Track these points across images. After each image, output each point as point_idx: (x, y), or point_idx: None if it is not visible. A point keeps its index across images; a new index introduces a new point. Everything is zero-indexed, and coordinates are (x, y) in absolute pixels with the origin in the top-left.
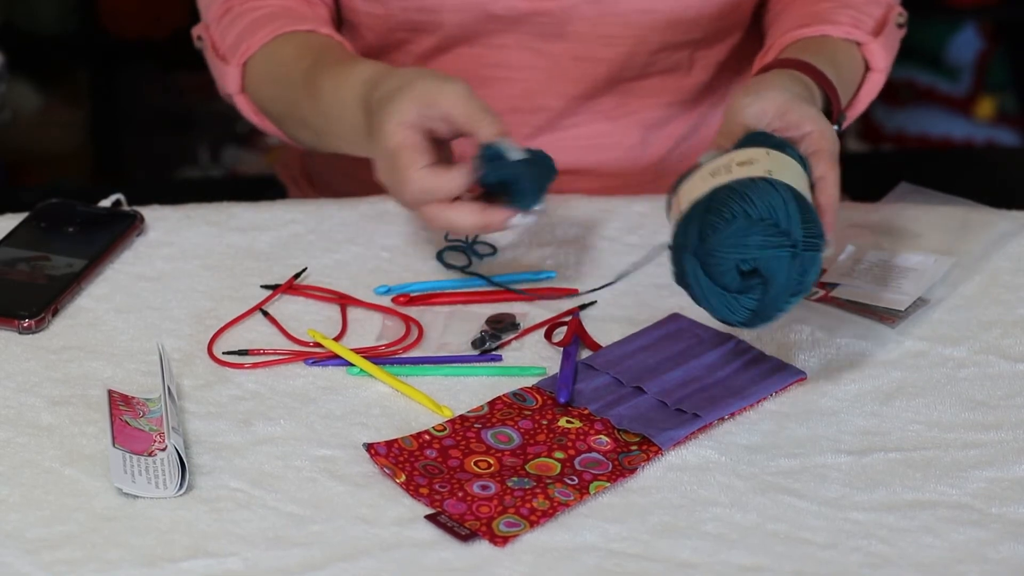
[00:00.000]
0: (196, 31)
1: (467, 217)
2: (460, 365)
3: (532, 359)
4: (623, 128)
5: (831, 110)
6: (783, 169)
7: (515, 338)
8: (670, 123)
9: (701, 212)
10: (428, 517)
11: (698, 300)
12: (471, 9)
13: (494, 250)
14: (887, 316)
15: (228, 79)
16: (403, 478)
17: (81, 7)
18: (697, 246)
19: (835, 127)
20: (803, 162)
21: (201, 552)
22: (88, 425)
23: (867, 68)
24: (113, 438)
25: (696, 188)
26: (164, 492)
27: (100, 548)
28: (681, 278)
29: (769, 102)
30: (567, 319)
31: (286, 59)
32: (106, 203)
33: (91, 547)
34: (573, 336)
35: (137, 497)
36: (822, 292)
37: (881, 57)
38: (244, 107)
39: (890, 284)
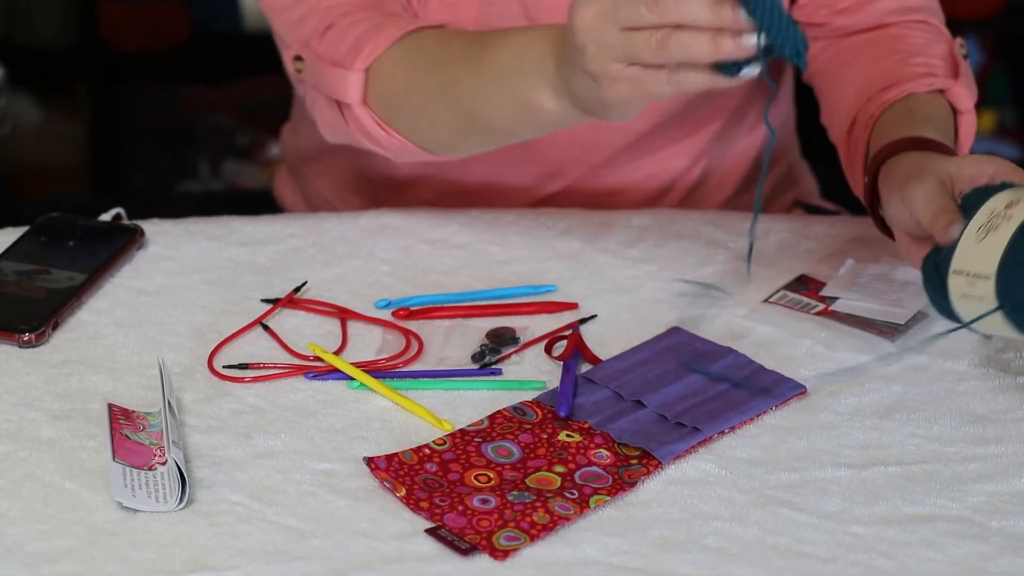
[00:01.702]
0: (291, 53)
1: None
2: (460, 379)
3: (532, 373)
4: (638, 182)
5: None
6: None
7: (515, 352)
8: (686, 174)
9: (1021, 265)
10: (428, 531)
11: None
12: None
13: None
14: (887, 330)
15: (350, 87)
16: (403, 492)
17: (81, 21)
18: None
19: None
20: None
21: (201, 566)
22: (88, 439)
23: (955, 111)
24: (113, 452)
25: (983, 251)
26: (164, 506)
27: (100, 562)
28: None
29: (935, 178)
30: (567, 333)
31: (431, 46)
32: (106, 217)
33: (91, 561)
34: (573, 350)
35: (137, 511)
36: (822, 306)
37: (966, 98)
38: (365, 118)
39: (890, 298)
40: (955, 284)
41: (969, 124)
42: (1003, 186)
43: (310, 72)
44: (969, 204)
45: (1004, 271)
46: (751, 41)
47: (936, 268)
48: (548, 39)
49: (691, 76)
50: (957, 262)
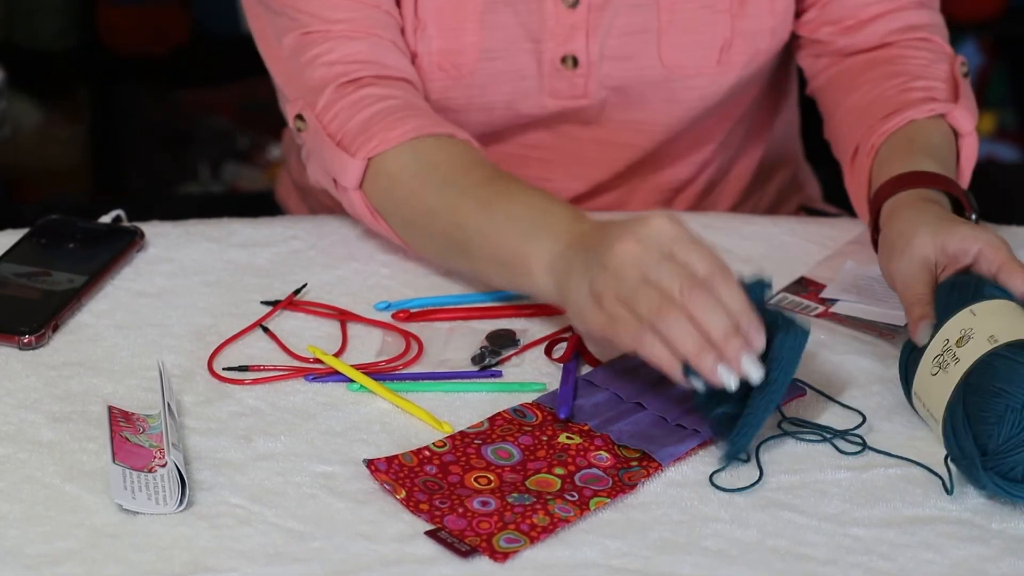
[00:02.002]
0: (293, 109)
1: (720, 317)
2: (460, 381)
3: (532, 375)
4: (643, 194)
5: (960, 203)
6: (997, 318)
7: (515, 354)
8: (691, 183)
9: (962, 423)
10: (428, 533)
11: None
12: (501, 108)
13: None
14: (887, 332)
15: (348, 172)
16: (403, 494)
17: (81, 24)
18: (983, 460)
19: (974, 217)
20: (998, 288)
21: (201, 568)
22: (88, 441)
23: (956, 134)
24: (113, 454)
25: (934, 389)
26: (164, 508)
27: (100, 564)
28: (979, 484)
29: (919, 255)
30: (567, 335)
31: (443, 164)
32: (106, 219)
33: (91, 563)
34: (573, 352)
35: (137, 513)
36: (822, 308)
37: (967, 121)
38: (358, 202)
39: (890, 300)
40: (917, 405)
41: (970, 147)
42: (961, 296)
43: (311, 138)
44: (938, 304)
45: (945, 431)
46: (731, 382)
47: (905, 375)
48: (570, 219)
49: (661, 353)
50: (917, 386)
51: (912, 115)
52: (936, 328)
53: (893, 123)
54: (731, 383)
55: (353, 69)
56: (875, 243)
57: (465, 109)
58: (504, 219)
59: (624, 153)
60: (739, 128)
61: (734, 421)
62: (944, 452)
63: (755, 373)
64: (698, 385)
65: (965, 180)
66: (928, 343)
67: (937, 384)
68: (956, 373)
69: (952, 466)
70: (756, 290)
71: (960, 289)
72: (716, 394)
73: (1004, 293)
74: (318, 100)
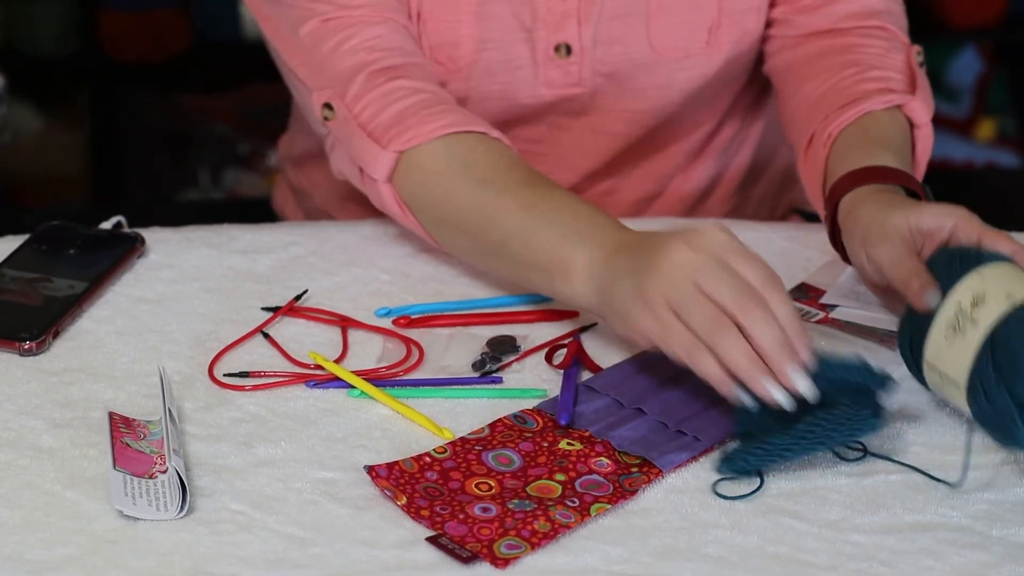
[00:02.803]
0: (320, 98)
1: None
2: (461, 387)
3: (533, 381)
4: (635, 181)
5: (918, 196)
6: (1008, 279)
7: (516, 360)
8: (683, 173)
9: (993, 381)
10: (429, 539)
11: None
12: (497, 99)
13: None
14: (887, 338)
15: (378, 164)
16: (404, 500)
17: (81, 29)
18: (1022, 413)
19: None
20: (995, 255)
21: (202, 574)
22: (89, 447)
23: (912, 125)
24: (114, 460)
25: (951, 353)
26: (165, 514)
27: (101, 570)
28: (1015, 441)
29: (898, 235)
30: (567, 341)
31: (480, 163)
32: (107, 225)
33: (92, 569)
34: (573, 358)
35: (138, 519)
36: (822, 314)
37: (923, 112)
38: (387, 196)
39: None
40: (929, 375)
41: (925, 138)
42: (963, 262)
43: (339, 126)
44: (936, 273)
45: (973, 391)
46: (780, 398)
47: (911, 348)
48: (614, 228)
49: (714, 371)
50: (929, 355)
51: (869, 106)
52: (943, 296)
53: (849, 114)
54: (780, 399)
55: (379, 57)
56: (832, 237)
57: (462, 101)
58: (547, 223)
59: (616, 142)
60: (730, 119)
61: (760, 441)
62: (943, 455)
63: (803, 385)
64: (748, 402)
65: (920, 171)
66: (936, 310)
67: (956, 349)
68: (977, 334)
69: (972, 438)
70: (856, 372)
71: (960, 258)
72: (763, 418)
73: (1003, 257)
74: (348, 89)
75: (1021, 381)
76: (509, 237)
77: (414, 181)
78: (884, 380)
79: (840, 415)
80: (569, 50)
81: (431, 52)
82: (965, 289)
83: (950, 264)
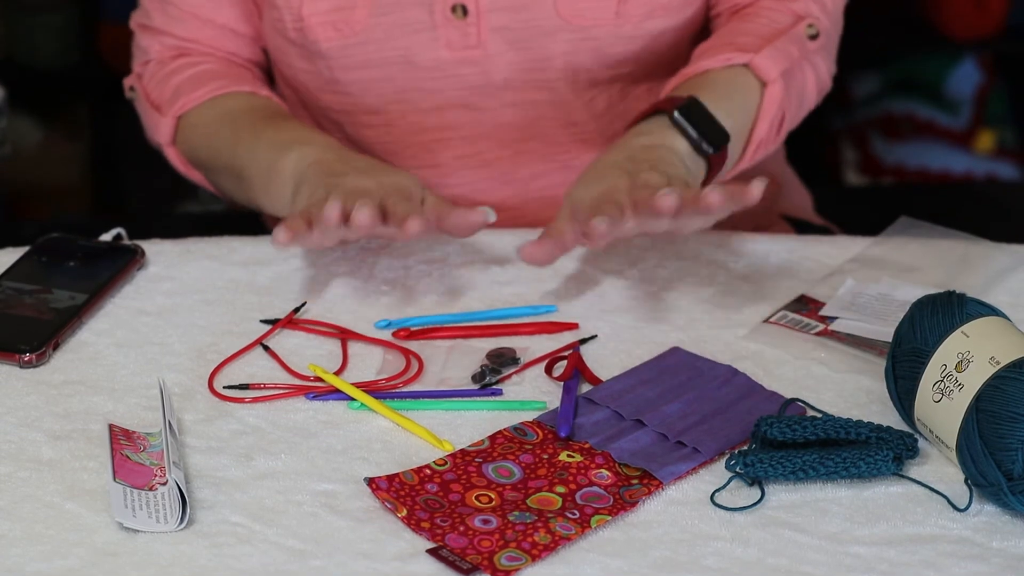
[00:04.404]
0: (128, 82)
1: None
2: (461, 399)
3: (532, 393)
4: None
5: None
6: (992, 338)
7: (515, 372)
8: None
9: (981, 450)
10: (430, 551)
11: None
12: (397, 63)
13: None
14: (887, 350)
15: (161, 130)
16: (404, 512)
17: (81, 42)
18: (1011, 484)
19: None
20: (980, 304)
21: None
22: (89, 460)
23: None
24: (114, 472)
25: (939, 416)
26: (165, 527)
27: None
28: (1007, 506)
29: (596, 183)
30: (567, 353)
31: (227, 113)
32: (107, 237)
33: None
34: (573, 370)
35: (138, 531)
36: (822, 326)
37: (768, 68)
38: (173, 158)
39: (890, 318)
40: (921, 429)
41: (771, 94)
42: (946, 316)
43: (139, 104)
44: (921, 326)
45: (962, 457)
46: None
47: (900, 400)
48: (328, 143)
49: (331, 211)
50: (920, 414)
51: (706, 64)
52: (927, 354)
53: (689, 70)
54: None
55: (179, 43)
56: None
57: (364, 66)
58: (266, 142)
59: (536, 111)
60: None
61: (781, 455)
62: (947, 471)
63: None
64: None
65: (761, 127)
66: (923, 369)
67: (942, 411)
68: (963, 399)
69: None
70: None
71: (943, 310)
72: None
73: (987, 308)
74: (144, 71)
75: (1007, 454)
76: (245, 163)
77: (187, 139)
78: (911, 443)
79: (861, 452)
80: (465, 11)
81: (326, 18)
82: (949, 349)
83: (932, 317)
